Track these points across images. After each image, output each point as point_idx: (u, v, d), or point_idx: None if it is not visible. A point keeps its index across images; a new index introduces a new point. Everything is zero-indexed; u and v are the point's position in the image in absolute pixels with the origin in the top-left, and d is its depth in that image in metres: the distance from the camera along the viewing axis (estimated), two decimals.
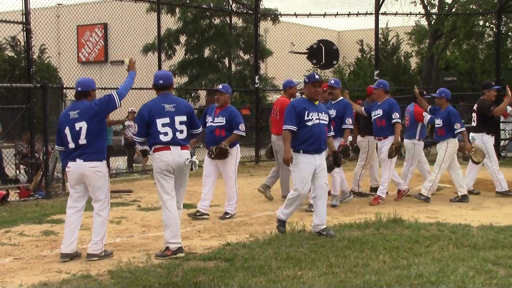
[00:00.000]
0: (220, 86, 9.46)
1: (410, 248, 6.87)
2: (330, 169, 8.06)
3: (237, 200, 9.31)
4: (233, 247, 7.08)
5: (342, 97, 10.27)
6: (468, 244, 6.99)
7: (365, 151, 11.04)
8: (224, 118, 9.02)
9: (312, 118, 7.54)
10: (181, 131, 6.92)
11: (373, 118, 10.42)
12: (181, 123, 6.93)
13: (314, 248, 6.90)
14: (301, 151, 7.57)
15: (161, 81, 7.07)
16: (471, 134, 10.99)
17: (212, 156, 8.91)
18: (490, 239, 7.17)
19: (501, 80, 17.48)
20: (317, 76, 7.77)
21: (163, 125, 6.86)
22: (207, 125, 9.14)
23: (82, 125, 6.80)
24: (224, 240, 7.55)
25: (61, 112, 7.45)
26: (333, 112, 9.63)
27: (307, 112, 7.55)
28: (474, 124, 11.18)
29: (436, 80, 26.66)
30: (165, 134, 6.85)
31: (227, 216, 9.12)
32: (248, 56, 24.69)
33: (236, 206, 9.27)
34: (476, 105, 11.24)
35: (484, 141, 10.83)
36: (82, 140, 6.80)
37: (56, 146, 7.36)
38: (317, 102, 7.74)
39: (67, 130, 6.86)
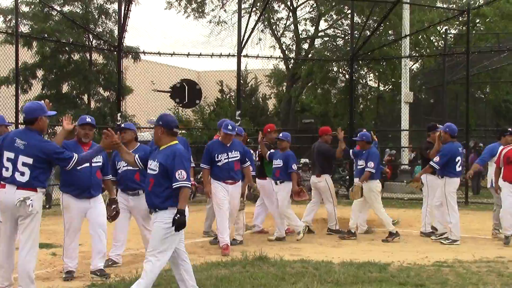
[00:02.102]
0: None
1: (276, 286, 7.03)
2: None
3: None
4: None
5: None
6: (331, 280, 7.27)
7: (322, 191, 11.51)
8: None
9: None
10: (22, 173, 6.27)
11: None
12: (24, 164, 6.29)
13: None
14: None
15: (24, 115, 6.70)
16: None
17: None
18: (351, 275, 7.51)
19: (353, 123, 18.51)
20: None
21: (7, 159, 6.33)
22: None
23: None
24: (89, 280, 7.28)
25: None
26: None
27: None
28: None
29: (293, 121, 27.77)
30: (7, 169, 6.32)
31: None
32: (108, 93, 24.25)
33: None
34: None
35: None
36: None
37: None
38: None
39: None
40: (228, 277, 7.39)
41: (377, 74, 28.19)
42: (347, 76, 25.62)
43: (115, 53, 18.12)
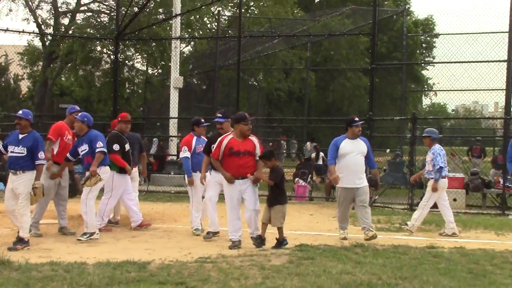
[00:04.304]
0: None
1: None
2: None
3: None
4: None
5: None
6: (84, 283, 7.17)
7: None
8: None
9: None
10: None
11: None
12: None
13: None
14: None
15: None
16: None
17: None
18: (107, 276, 7.47)
19: (118, 109, 18.26)
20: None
21: None
22: None
23: None
24: None
25: None
26: None
27: None
28: None
29: (50, 106, 26.82)
30: None
31: None
32: None
33: None
34: None
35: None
36: None
37: None
38: None
39: None
40: None
41: (145, 56, 28.34)
42: (112, 57, 25.34)
43: None
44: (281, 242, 9.80)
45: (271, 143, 34.36)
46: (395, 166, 20.76)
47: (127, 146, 11.70)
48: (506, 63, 17.12)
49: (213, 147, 10.17)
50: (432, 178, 11.73)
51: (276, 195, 9.93)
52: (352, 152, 10.81)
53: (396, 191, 17.64)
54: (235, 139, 9.93)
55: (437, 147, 11.97)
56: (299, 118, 32.62)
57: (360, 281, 7.46)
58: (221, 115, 10.78)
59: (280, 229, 9.88)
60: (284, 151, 35.51)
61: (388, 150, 25.18)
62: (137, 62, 30.20)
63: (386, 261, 8.73)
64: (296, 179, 18.21)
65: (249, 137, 9.98)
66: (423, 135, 12.31)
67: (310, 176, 18.50)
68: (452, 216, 11.80)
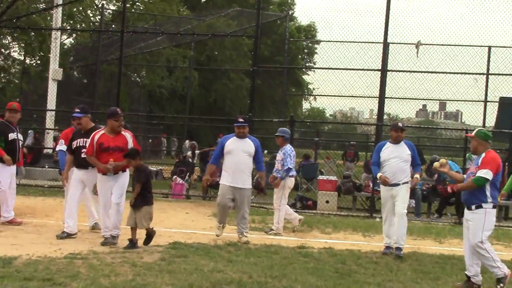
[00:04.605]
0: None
1: None
2: None
3: None
4: None
5: None
6: None
7: None
8: None
9: None
10: None
11: None
12: None
13: None
14: None
15: None
16: None
17: None
18: None
19: None
20: None
21: None
22: None
23: None
24: None
25: None
26: None
27: None
28: None
29: None
30: None
31: None
32: None
33: None
34: None
35: None
36: None
37: None
38: None
39: None
40: None
41: (23, 45, 27.34)
42: None
43: None
44: (134, 244, 9.34)
45: (150, 140, 34.13)
46: (273, 167, 21.11)
47: (12, 135, 11.27)
48: (379, 72, 17.84)
49: (74, 144, 10.09)
50: (279, 176, 12.01)
51: (142, 196, 9.49)
52: (237, 150, 10.73)
53: (272, 192, 17.89)
54: (106, 134, 9.76)
55: (288, 147, 12.20)
56: (180, 116, 32.52)
57: (231, 279, 7.55)
58: (79, 110, 10.49)
59: (134, 230, 9.43)
60: (164, 149, 35.34)
61: (265, 151, 25.60)
62: (14, 51, 29.08)
63: (258, 260, 8.90)
64: (174, 177, 18.16)
65: (122, 132, 9.82)
66: (276, 134, 12.50)
67: (188, 174, 18.49)
68: (283, 218, 12.09)
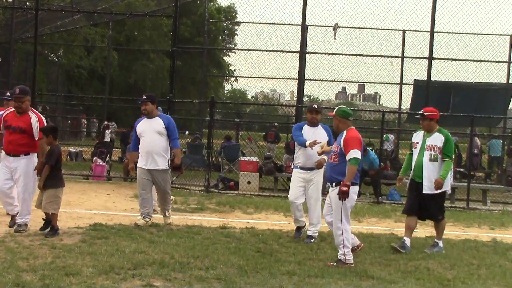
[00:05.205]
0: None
1: None
2: None
3: None
4: None
5: None
6: None
7: None
8: None
9: None
10: None
11: None
12: None
13: None
14: None
15: None
16: None
17: None
18: None
19: None
20: None
21: None
22: None
23: None
24: None
25: None
26: None
27: None
28: None
29: None
30: None
31: None
32: None
33: None
34: None
35: None
36: None
37: None
38: None
39: None
40: None
41: None
42: None
43: None
44: (55, 230, 8.94)
45: (69, 121, 33.43)
46: (194, 148, 21.13)
47: None
48: (298, 54, 18.07)
49: None
50: None
51: (51, 177, 9.01)
52: (147, 131, 10.36)
53: (194, 173, 17.92)
54: (14, 113, 9.35)
55: None
56: (99, 96, 31.92)
57: (152, 260, 7.53)
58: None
59: (54, 216, 9.03)
60: (84, 130, 34.69)
61: (187, 133, 25.52)
62: None
63: (180, 240, 8.90)
64: (94, 158, 17.85)
65: (30, 113, 9.32)
66: None
67: (108, 155, 18.20)
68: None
